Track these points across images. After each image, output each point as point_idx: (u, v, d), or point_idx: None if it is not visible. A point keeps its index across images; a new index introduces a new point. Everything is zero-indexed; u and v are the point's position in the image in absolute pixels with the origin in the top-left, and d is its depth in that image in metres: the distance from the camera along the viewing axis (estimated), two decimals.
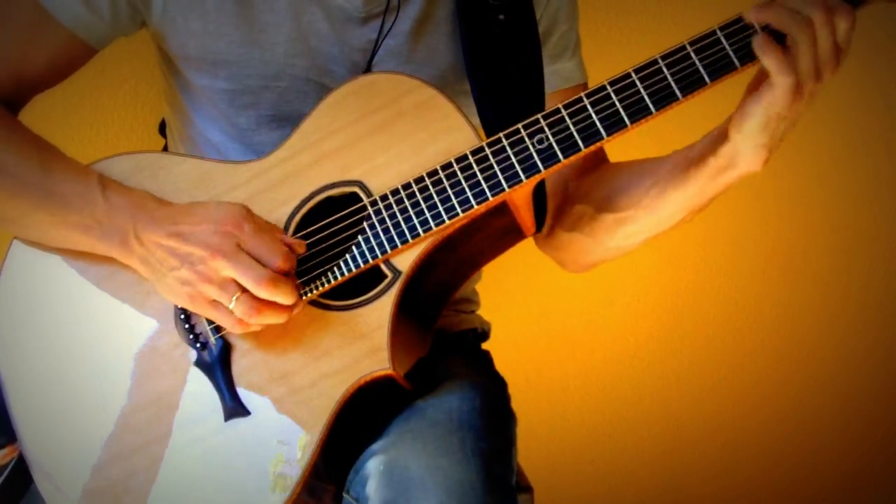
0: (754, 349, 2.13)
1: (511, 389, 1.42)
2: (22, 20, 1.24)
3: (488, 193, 1.12)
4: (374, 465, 1.11)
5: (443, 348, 1.36)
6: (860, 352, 2.16)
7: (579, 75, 1.37)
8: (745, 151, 1.09)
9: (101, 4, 1.23)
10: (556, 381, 2.09)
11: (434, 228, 1.13)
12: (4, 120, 1.23)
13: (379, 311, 1.14)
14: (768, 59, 1.04)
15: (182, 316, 1.20)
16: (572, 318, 2.07)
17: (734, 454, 2.18)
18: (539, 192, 1.24)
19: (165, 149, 1.53)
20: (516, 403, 2.04)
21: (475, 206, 1.13)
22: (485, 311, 1.55)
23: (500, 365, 1.48)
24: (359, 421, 1.16)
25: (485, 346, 1.53)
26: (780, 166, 2.03)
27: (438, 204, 1.13)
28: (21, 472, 1.22)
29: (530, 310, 2.05)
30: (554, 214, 1.33)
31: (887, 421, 2.21)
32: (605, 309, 2.07)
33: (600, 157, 1.36)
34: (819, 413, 2.18)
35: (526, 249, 2.00)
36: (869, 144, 2.06)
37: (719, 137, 1.11)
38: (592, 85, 1.14)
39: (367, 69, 1.25)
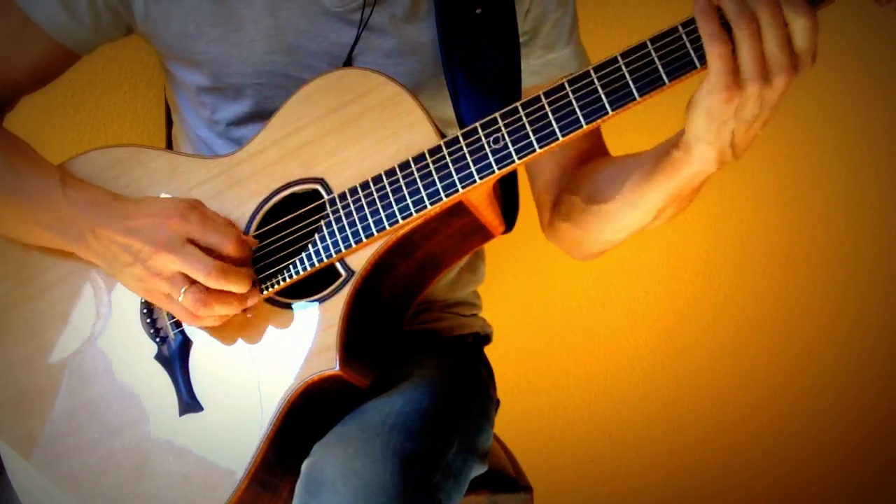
0: (755, 350, 2.12)
1: (511, 389, 1.41)
2: (3, 24, 1.26)
3: (442, 194, 1.11)
4: (303, 467, 1.11)
5: (424, 351, 1.35)
6: (862, 352, 2.15)
7: (576, 63, 1.34)
8: (694, 145, 1.05)
9: (82, 11, 1.25)
10: (557, 381, 2.09)
11: (388, 228, 1.13)
12: None
13: (331, 311, 1.13)
14: (704, 37, 0.98)
15: (145, 310, 1.22)
16: (572, 319, 2.07)
17: (734, 455, 2.17)
18: (508, 191, 1.23)
19: (170, 146, 1.54)
20: (516, 403, 2.05)
21: (429, 207, 1.11)
22: (484, 312, 1.55)
23: (501, 365, 1.48)
24: (313, 419, 1.15)
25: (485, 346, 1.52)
26: (781, 166, 2.04)
27: (393, 203, 1.12)
28: None
29: (530, 310, 2.05)
30: (553, 204, 1.33)
31: (889, 422, 2.20)
32: (606, 309, 2.07)
33: (601, 150, 1.35)
34: (821, 414, 2.17)
35: (525, 250, 2.01)
36: (870, 144, 2.05)
37: (680, 132, 1.07)
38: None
39: (348, 64, 1.25)
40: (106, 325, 1.23)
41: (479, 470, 1.26)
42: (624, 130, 1.62)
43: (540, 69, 1.32)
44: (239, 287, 1.13)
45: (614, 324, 2.08)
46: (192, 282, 1.12)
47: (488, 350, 1.51)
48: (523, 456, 1.63)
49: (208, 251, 1.13)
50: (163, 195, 1.21)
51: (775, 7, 0.97)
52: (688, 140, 1.05)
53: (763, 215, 2.05)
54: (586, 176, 1.28)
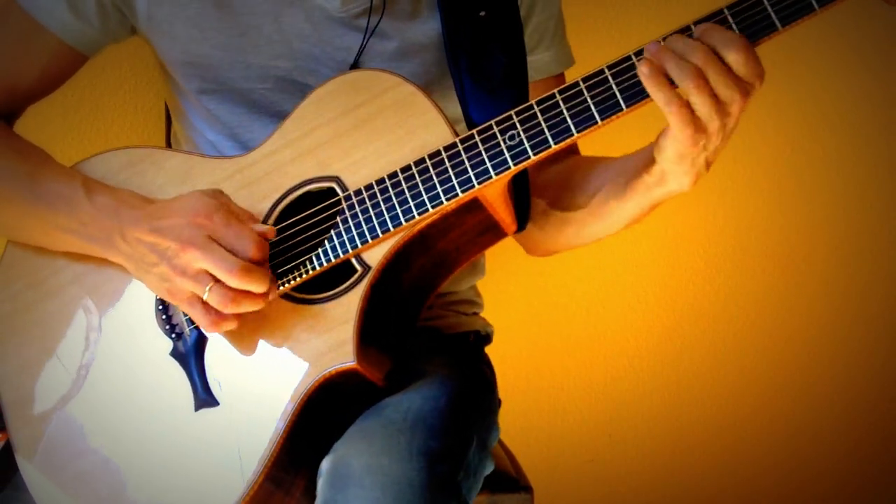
0: (756, 350, 2.12)
1: (511, 390, 1.42)
2: (12, 31, 1.27)
3: (458, 190, 1.12)
4: (324, 465, 1.11)
5: (432, 349, 1.36)
6: (862, 352, 2.15)
7: (554, 67, 1.37)
8: (669, 174, 1.11)
9: (90, 12, 1.25)
10: (557, 380, 2.09)
11: (404, 224, 1.14)
12: None
13: (346, 306, 1.14)
14: (653, 94, 1.05)
15: (160, 307, 1.22)
16: (572, 318, 2.07)
17: (735, 455, 2.17)
18: (520, 190, 1.24)
19: (170, 146, 1.54)
20: (517, 403, 2.05)
21: (445, 203, 1.13)
22: (485, 311, 1.55)
23: (501, 365, 1.48)
24: (329, 415, 1.16)
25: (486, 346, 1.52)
26: (781, 166, 2.04)
27: (409, 200, 1.13)
28: (8, 457, 1.25)
29: (530, 309, 2.05)
30: None
31: (889, 422, 2.20)
32: (606, 309, 2.07)
33: (569, 150, 1.35)
34: (821, 414, 2.18)
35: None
36: (870, 144, 2.06)
37: (650, 158, 1.12)
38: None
39: (354, 68, 1.26)
40: (120, 323, 1.23)
41: (489, 468, 1.27)
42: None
43: None
44: (259, 286, 1.12)
45: (614, 324, 2.08)
46: (217, 280, 1.12)
47: (488, 350, 1.51)
48: (523, 456, 1.64)
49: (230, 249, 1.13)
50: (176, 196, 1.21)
51: (711, 53, 1.03)
52: (664, 171, 1.12)
53: (763, 215, 2.06)
54: (552, 180, 1.30)
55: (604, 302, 2.07)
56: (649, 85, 1.04)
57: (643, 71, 1.04)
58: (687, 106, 1.04)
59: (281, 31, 1.26)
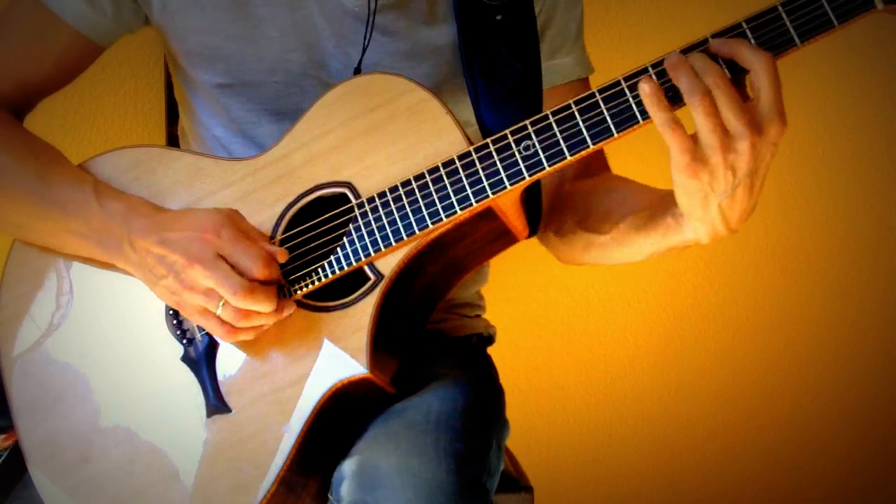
0: (755, 349, 2.13)
1: (511, 390, 1.42)
2: (26, 23, 1.26)
3: (472, 199, 1.11)
4: (348, 467, 1.11)
5: (439, 351, 1.36)
6: (862, 353, 2.16)
7: (579, 70, 1.36)
8: (686, 221, 1.08)
9: (103, 1, 1.25)
10: (557, 381, 2.09)
11: (417, 233, 1.13)
12: (7, 127, 1.25)
13: (360, 315, 1.13)
14: (658, 125, 1.01)
15: (171, 311, 1.21)
16: (573, 319, 2.07)
17: (735, 455, 2.18)
18: (532, 197, 1.24)
19: (170, 144, 1.54)
20: (517, 403, 2.04)
21: (459, 212, 1.12)
22: (486, 312, 1.55)
23: (501, 365, 1.48)
24: (341, 421, 1.16)
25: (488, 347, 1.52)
26: (781, 166, 2.04)
27: (423, 208, 1.13)
28: (17, 459, 1.24)
29: (531, 310, 2.05)
30: (546, 212, 1.33)
31: (889, 422, 2.21)
32: (606, 309, 2.07)
33: (601, 164, 1.35)
34: (820, 414, 2.18)
35: (526, 250, 2.00)
36: (870, 144, 2.06)
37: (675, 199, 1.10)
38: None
39: (359, 65, 1.25)
40: (130, 327, 1.22)
41: (501, 467, 1.27)
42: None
43: (544, 74, 1.31)
44: (264, 307, 1.11)
45: (614, 324, 2.08)
46: None
47: (489, 350, 1.51)
48: (523, 456, 1.64)
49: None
50: (185, 197, 1.20)
51: (725, 74, 0.99)
52: (681, 213, 1.08)
53: (763, 215, 2.05)
54: (583, 197, 1.29)
55: (604, 302, 2.07)
56: (649, 104, 1.01)
57: (644, 89, 1.01)
58: (681, 130, 1.00)
59: (295, 23, 1.25)
